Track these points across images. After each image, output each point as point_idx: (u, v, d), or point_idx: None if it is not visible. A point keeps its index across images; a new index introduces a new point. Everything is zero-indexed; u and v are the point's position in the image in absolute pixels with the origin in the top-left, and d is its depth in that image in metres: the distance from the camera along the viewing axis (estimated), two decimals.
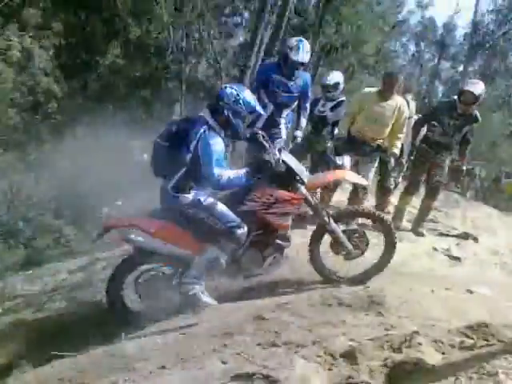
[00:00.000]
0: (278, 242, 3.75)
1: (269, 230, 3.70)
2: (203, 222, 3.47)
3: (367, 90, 5.63)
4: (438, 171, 5.67)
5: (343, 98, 5.89)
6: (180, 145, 3.40)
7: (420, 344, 2.29)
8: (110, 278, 3.64)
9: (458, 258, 5.20)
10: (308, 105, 5.37)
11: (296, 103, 5.29)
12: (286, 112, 5.27)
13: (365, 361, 2.22)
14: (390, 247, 3.93)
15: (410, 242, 5.57)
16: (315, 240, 3.96)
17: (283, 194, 3.63)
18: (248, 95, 3.54)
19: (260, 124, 5.14)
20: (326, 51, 13.40)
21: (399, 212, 5.91)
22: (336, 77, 6.01)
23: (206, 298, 3.52)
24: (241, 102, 3.48)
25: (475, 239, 6.03)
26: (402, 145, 5.62)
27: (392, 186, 5.82)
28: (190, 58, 14.41)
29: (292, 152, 4.66)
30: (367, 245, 3.92)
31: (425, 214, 5.95)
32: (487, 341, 2.42)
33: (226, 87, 3.55)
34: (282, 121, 5.30)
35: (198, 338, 2.99)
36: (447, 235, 6.16)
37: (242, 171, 3.48)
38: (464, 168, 5.88)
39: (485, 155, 21.45)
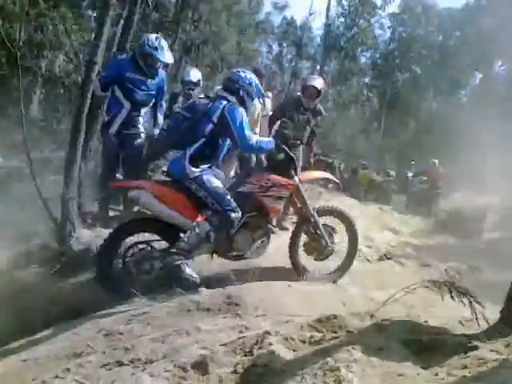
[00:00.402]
0: (269, 226, 3.96)
1: (262, 213, 3.91)
2: (201, 200, 3.64)
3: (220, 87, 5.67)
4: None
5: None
6: (201, 117, 3.67)
7: (271, 344, 2.27)
8: (102, 245, 3.66)
9: None
10: (164, 102, 5.22)
11: (153, 101, 5.09)
12: (143, 110, 5.04)
13: (216, 369, 2.14)
14: (353, 243, 4.28)
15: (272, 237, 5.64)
16: (296, 236, 4.15)
17: (280, 179, 3.91)
18: (257, 80, 3.94)
19: (119, 122, 4.89)
20: (187, 48, 13.26)
21: None
22: (198, 74, 5.98)
23: (189, 271, 3.51)
24: (253, 84, 3.86)
25: (333, 229, 6.33)
26: None
27: None
28: (46, 53, 13.32)
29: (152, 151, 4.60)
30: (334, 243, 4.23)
31: (287, 208, 6.12)
32: (335, 333, 2.50)
33: (238, 71, 3.92)
34: (140, 119, 5.06)
35: (39, 364, 2.68)
36: None
37: (268, 138, 3.97)
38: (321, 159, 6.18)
39: (344, 149, 23.22)
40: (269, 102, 5.96)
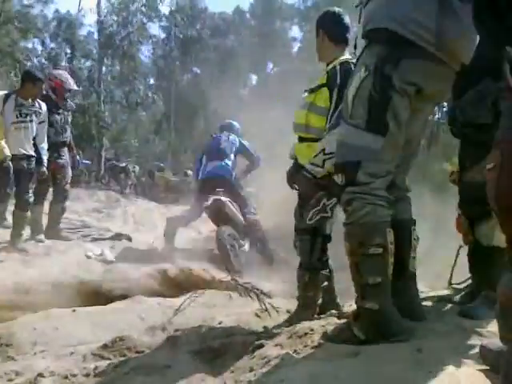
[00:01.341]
0: None
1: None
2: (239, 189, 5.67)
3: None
4: (63, 172, 5.62)
5: None
6: (229, 142, 5.78)
7: None
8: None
9: (111, 262, 5.03)
10: None
11: None
12: None
13: None
14: None
15: (60, 253, 5.10)
16: None
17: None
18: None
19: None
20: None
21: (35, 223, 5.42)
22: None
23: None
24: (239, 129, 6.17)
25: (129, 238, 6.08)
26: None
27: None
28: None
29: None
30: None
31: (59, 218, 5.78)
32: (124, 356, 2.27)
33: (232, 122, 6.20)
34: None
35: None
36: (101, 239, 6.01)
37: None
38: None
39: (138, 152, 22.91)
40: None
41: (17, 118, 4.88)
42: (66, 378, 2.04)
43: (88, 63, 23.94)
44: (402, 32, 1.75)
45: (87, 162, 15.71)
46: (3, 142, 4.73)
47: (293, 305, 2.91)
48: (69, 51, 23.18)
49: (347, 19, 2.72)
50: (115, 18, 21.56)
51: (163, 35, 26.35)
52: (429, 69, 1.81)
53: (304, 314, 2.54)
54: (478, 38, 1.80)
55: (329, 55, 2.70)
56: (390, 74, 1.77)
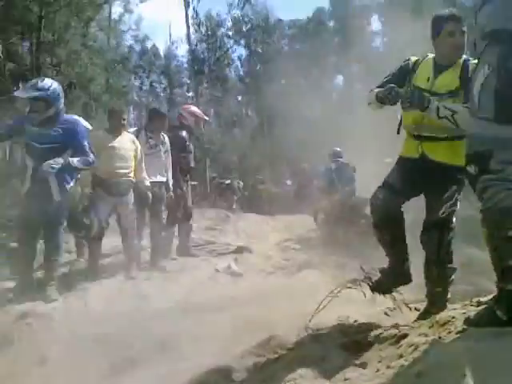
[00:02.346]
0: None
1: None
2: None
3: None
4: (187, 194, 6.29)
5: None
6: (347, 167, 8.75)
7: None
8: None
9: (239, 274, 5.44)
10: None
11: None
12: None
13: None
14: None
15: (193, 269, 5.55)
16: None
17: None
18: None
19: None
20: None
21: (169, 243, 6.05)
22: None
23: None
24: None
25: (250, 251, 6.49)
26: None
27: None
28: None
29: None
30: None
31: (188, 236, 6.40)
32: (277, 353, 2.54)
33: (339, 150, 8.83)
34: None
35: None
36: (226, 253, 6.47)
37: None
38: None
39: (238, 167, 23.86)
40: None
41: (148, 149, 5.48)
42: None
43: (183, 91, 25.65)
44: None
45: (194, 182, 16.69)
46: (144, 173, 5.31)
47: (419, 303, 2.99)
48: (165, 82, 24.95)
49: None
50: (205, 46, 22.88)
51: (246, 52, 27.37)
52: None
53: (434, 310, 2.55)
54: None
55: None
56: None
